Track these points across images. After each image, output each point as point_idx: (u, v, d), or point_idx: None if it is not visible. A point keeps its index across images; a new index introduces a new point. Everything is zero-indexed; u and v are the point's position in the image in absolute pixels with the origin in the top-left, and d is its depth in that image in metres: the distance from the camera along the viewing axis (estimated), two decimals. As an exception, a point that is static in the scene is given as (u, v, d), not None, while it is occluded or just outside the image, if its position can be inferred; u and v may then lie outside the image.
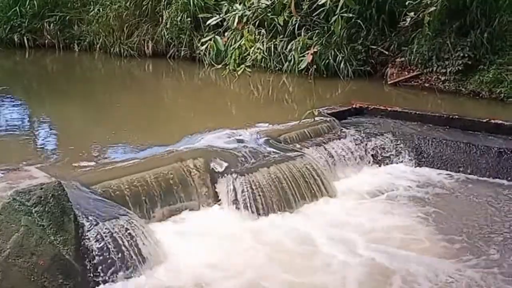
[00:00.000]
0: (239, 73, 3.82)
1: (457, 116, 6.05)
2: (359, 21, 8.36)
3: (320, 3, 3.97)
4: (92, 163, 4.56)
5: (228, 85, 8.17)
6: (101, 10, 11.55)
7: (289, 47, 8.77)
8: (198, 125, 5.75)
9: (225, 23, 8.22)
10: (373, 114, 6.45)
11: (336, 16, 3.61)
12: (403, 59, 8.18)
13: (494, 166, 5.20)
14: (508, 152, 5.19)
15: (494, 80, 7.21)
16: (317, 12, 8.15)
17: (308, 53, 3.62)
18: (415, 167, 5.45)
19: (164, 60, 10.73)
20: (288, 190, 4.52)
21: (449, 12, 7.68)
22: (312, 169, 4.76)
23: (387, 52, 8.51)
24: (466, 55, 7.45)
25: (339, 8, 3.61)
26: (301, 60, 3.80)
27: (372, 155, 5.51)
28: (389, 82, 8.26)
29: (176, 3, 10.48)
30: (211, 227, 4.09)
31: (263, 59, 8.53)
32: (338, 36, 8.29)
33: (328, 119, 5.91)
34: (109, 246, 3.35)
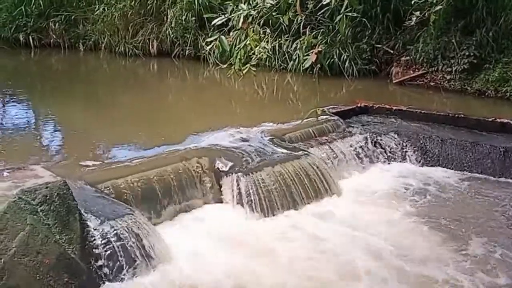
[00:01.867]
0: (244, 72, 3.81)
1: (462, 115, 6.02)
2: (364, 20, 8.34)
3: (325, 3, 3.95)
4: (97, 162, 4.57)
5: (233, 84, 8.18)
6: (106, 9, 11.57)
7: (293, 46, 8.77)
8: (202, 124, 5.76)
9: (229, 23, 8.22)
10: (378, 113, 6.43)
11: (341, 16, 3.58)
12: (408, 58, 8.16)
13: (500, 165, 5.18)
14: (514, 151, 5.17)
15: (500, 79, 7.17)
16: (322, 11, 8.13)
17: (312, 52, 3.61)
18: (420, 166, 5.44)
19: (169, 59, 10.75)
20: (292, 189, 4.51)
21: (454, 10, 7.65)
22: (316, 168, 4.75)
23: (392, 51, 8.49)
24: (471, 54, 7.42)
25: (343, 8, 3.60)
26: (306, 59, 3.79)
27: (377, 154, 5.50)
28: (394, 81, 8.24)
29: (181, 2, 10.50)
30: (216, 226, 4.09)
31: (267, 58, 8.53)
32: (343, 35, 8.28)
33: (332, 118, 5.90)
34: (114, 245, 3.36)
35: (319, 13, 8.31)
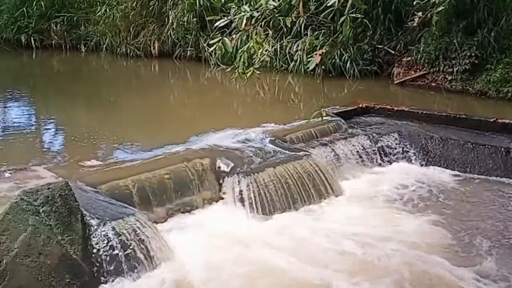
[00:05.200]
0: (248, 75, 3.81)
1: (464, 116, 6.02)
2: (365, 20, 8.33)
3: (329, 4, 3.92)
4: (99, 163, 4.58)
5: (234, 85, 8.18)
6: (107, 10, 11.59)
7: (295, 47, 8.76)
8: (204, 125, 5.76)
9: (231, 24, 8.22)
10: (379, 114, 6.43)
11: (345, 17, 3.56)
12: (409, 58, 8.15)
13: (502, 165, 5.17)
14: (516, 152, 5.16)
15: (502, 79, 7.16)
16: (324, 13, 8.13)
17: (316, 54, 3.60)
18: (422, 166, 5.43)
19: (170, 60, 10.76)
20: (294, 190, 4.51)
21: (456, 11, 7.64)
22: (318, 169, 4.75)
23: (393, 52, 8.48)
24: (473, 54, 7.41)
25: (347, 9, 3.58)
26: (309, 61, 3.78)
27: (378, 154, 5.50)
28: (395, 82, 8.24)
29: (183, 4, 10.51)
30: (217, 227, 4.10)
31: (269, 59, 8.52)
32: (346, 37, 8.26)
33: (334, 119, 5.89)
34: (116, 245, 3.36)
35: (322, 14, 8.31)
